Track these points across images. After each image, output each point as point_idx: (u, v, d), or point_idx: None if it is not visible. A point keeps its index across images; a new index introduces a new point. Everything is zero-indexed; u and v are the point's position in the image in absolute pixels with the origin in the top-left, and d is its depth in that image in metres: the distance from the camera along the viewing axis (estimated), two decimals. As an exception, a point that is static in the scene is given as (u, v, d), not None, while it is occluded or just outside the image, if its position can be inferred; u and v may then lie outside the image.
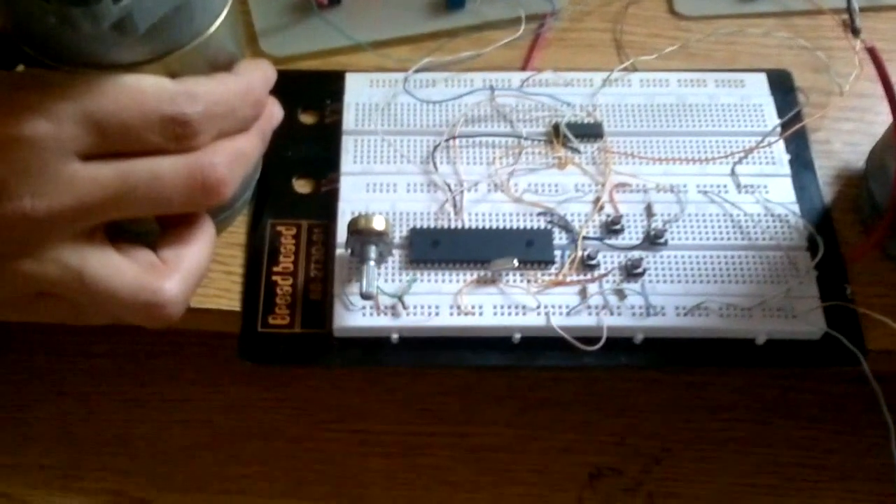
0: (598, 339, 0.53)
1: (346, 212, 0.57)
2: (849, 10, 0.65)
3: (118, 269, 0.45)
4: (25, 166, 0.42)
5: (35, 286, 0.45)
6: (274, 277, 0.56)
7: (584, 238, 0.56)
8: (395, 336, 0.54)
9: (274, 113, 0.52)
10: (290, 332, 0.55)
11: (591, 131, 0.60)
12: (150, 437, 0.61)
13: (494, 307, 0.54)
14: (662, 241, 0.56)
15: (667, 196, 0.58)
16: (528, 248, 0.56)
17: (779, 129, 0.61)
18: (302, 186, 0.60)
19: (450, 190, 0.58)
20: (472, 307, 0.54)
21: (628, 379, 0.63)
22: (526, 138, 0.60)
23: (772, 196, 0.59)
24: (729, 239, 0.57)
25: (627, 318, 0.54)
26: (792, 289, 0.55)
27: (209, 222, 0.50)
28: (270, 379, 0.63)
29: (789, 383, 0.62)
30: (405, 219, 0.57)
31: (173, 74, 0.46)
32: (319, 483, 0.60)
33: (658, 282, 0.55)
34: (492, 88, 0.62)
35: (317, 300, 0.56)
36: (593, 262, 0.56)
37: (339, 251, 0.55)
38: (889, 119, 0.58)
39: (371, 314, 0.54)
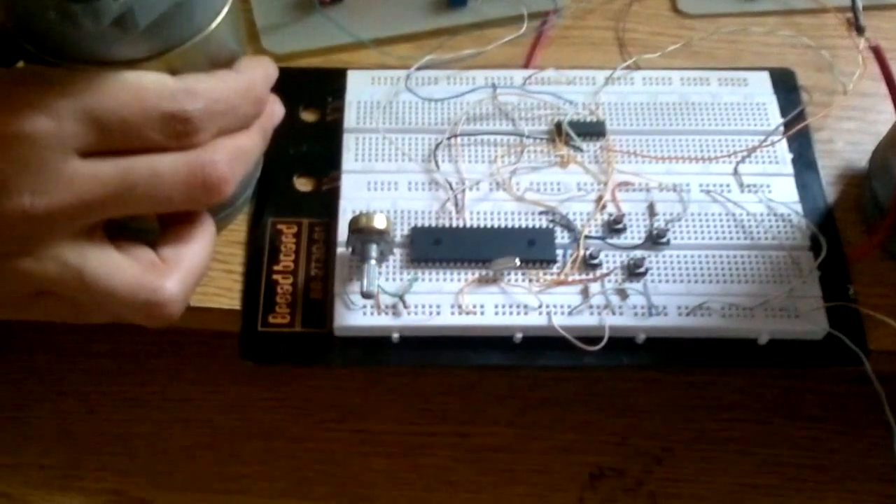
0: (599, 339, 0.53)
1: (347, 210, 0.57)
2: (853, 8, 0.65)
3: (118, 268, 0.45)
4: (25, 163, 0.42)
5: (34, 285, 0.45)
6: (274, 276, 0.56)
7: (586, 237, 0.56)
8: (395, 335, 0.54)
9: (275, 111, 0.52)
10: (290, 331, 0.55)
11: (593, 130, 0.60)
12: (151, 437, 0.61)
13: (496, 306, 0.54)
14: (665, 240, 0.56)
15: (669, 195, 0.58)
16: (530, 248, 0.56)
17: (782, 129, 0.61)
18: (303, 184, 0.60)
19: (451, 188, 0.58)
20: (474, 306, 0.54)
21: (629, 379, 0.63)
22: (528, 136, 0.60)
23: (775, 195, 0.58)
24: (731, 238, 0.57)
25: (629, 318, 0.54)
26: (794, 289, 0.55)
27: (209, 220, 0.49)
28: (271, 378, 0.63)
29: (791, 383, 0.62)
30: (406, 217, 0.57)
31: (174, 71, 0.45)
32: (320, 483, 0.60)
33: (660, 281, 0.55)
34: (494, 86, 0.62)
35: (317, 299, 0.55)
36: (595, 261, 0.55)
37: (340, 250, 0.55)
38: (892, 118, 0.58)
39: (372, 313, 0.54)
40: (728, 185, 0.59)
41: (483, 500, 0.59)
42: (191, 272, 0.47)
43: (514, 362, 0.55)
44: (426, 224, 0.57)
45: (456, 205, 0.57)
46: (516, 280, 0.55)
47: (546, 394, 0.62)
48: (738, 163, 0.59)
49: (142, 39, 0.44)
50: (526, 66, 0.65)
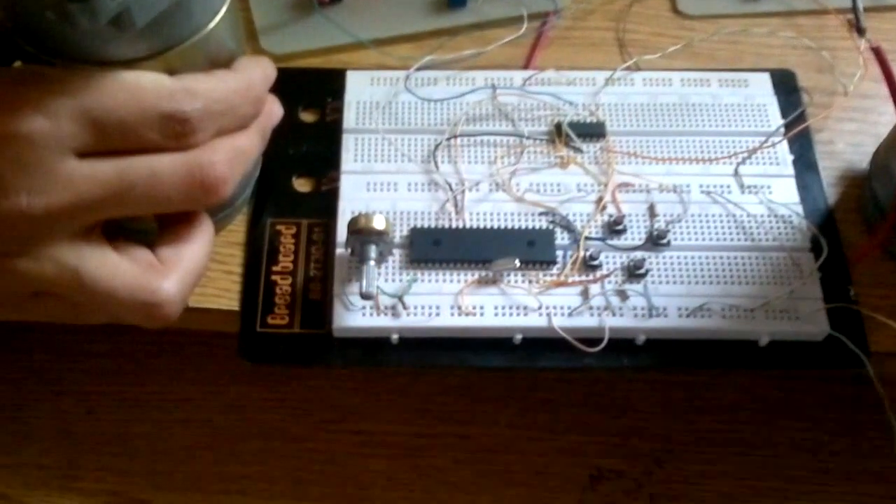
0: (599, 341, 0.53)
1: (346, 211, 0.57)
2: (854, 9, 0.65)
3: (116, 269, 0.45)
4: (22, 163, 0.41)
5: (32, 285, 0.45)
6: (273, 277, 0.56)
7: (587, 238, 0.56)
8: (395, 336, 0.54)
9: (274, 111, 0.52)
10: (289, 332, 0.54)
11: (593, 130, 0.60)
12: (150, 437, 0.61)
13: (495, 308, 0.54)
14: (665, 241, 0.56)
15: (670, 196, 0.58)
16: (530, 249, 0.55)
17: (782, 130, 0.61)
18: (302, 185, 0.59)
19: (451, 189, 0.58)
20: (473, 307, 0.54)
21: (630, 380, 0.63)
22: (528, 137, 0.60)
23: (775, 197, 0.58)
24: (732, 240, 0.57)
25: (629, 319, 0.54)
26: (795, 290, 0.55)
27: (208, 221, 0.49)
28: (271, 379, 0.63)
29: (792, 385, 0.62)
30: (406, 218, 0.57)
31: (172, 71, 0.45)
32: (319, 483, 0.60)
33: (660, 283, 0.55)
34: (493, 87, 0.62)
35: (316, 300, 0.55)
36: (595, 262, 0.55)
37: (339, 251, 0.55)
38: (893, 119, 0.58)
39: (371, 314, 0.54)
40: (728, 187, 0.59)
41: (482, 501, 0.59)
42: (189, 273, 0.47)
43: (514, 364, 0.55)
44: (425, 225, 0.57)
45: (455, 206, 0.57)
46: (516, 281, 0.55)
47: (546, 395, 0.62)
48: (738, 164, 0.59)
49: (140, 39, 0.44)
50: (526, 66, 0.65)
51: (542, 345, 0.54)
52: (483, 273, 0.55)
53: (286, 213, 0.58)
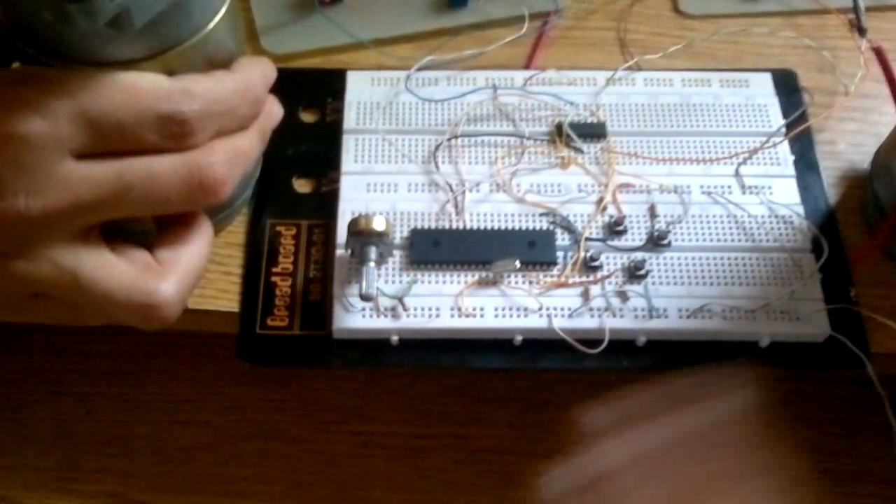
0: (600, 342, 0.53)
1: (346, 212, 0.57)
2: (855, 9, 0.64)
3: (113, 270, 0.45)
4: (20, 164, 0.41)
5: (29, 286, 0.45)
6: (273, 278, 0.56)
7: (587, 239, 0.56)
8: (395, 338, 0.54)
9: (273, 111, 0.52)
10: (289, 333, 0.54)
11: (594, 131, 0.60)
12: (149, 438, 0.61)
13: (496, 309, 0.54)
14: (666, 242, 0.56)
15: (670, 197, 0.58)
16: (530, 249, 0.55)
17: (783, 130, 0.61)
18: (302, 186, 0.59)
19: (451, 190, 0.58)
20: (473, 309, 0.54)
21: (630, 381, 0.62)
22: (528, 138, 0.60)
23: (776, 197, 0.58)
24: (732, 240, 0.57)
25: (630, 321, 0.54)
26: (796, 291, 0.55)
27: (207, 222, 0.49)
28: (271, 380, 0.63)
29: (792, 386, 0.62)
30: (406, 219, 0.57)
31: (171, 72, 0.45)
32: (320, 485, 0.60)
33: (661, 284, 0.55)
34: (494, 87, 0.62)
35: (316, 301, 0.55)
36: (596, 263, 0.55)
37: (339, 252, 0.55)
38: (894, 120, 0.57)
39: (371, 316, 0.54)
40: (729, 187, 0.59)
41: (483, 502, 0.59)
42: (187, 274, 0.47)
43: (515, 365, 0.55)
44: (426, 226, 0.56)
45: (456, 206, 0.57)
46: (516, 282, 0.55)
47: (546, 396, 0.62)
48: (739, 164, 0.59)
49: (138, 39, 0.44)
50: (527, 66, 0.64)
51: (543, 346, 0.54)
52: (483, 274, 0.55)
53: (286, 214, 0.58)
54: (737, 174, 0.59)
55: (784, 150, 0.60)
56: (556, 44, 0.66)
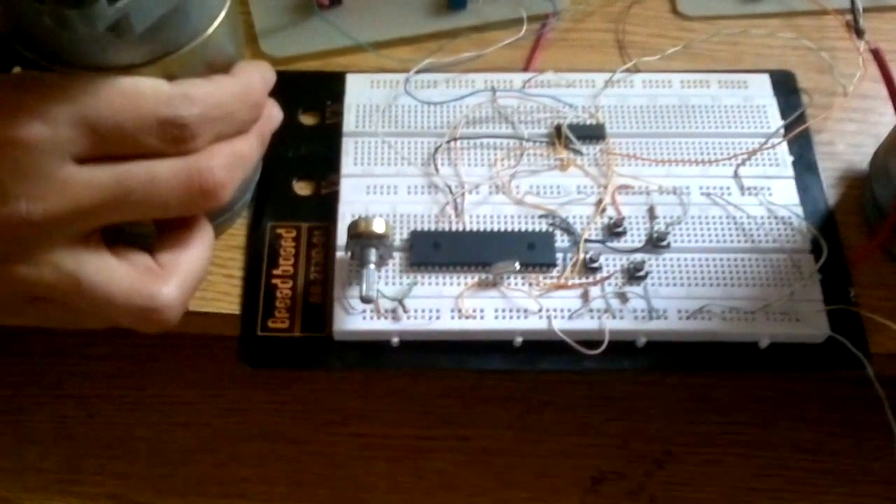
0: (600, 343, 0.53)
1: (346, 214, 0.57)
2: (853, 11, 0.65)
3: (114, 274, 0.45)
4: (20, 169, 0.42)
5: (31, 290, 0.45)
6: (274, 280, 0.56)
7: (586, 241, 0.56)
8: (395, 340, 0.54)
9: (273, 115, 0.52)
10: (289, 335, 0.54)
11: (593, 133, 0.60)
12: (150, 440, 0.61)
13: (495, 310, 0.54)
14: (665, 243, 0.56)
15: (669, 198, 0.58)
16: (530, 251, 0.55)
17: (782, 131, 0.61)
18: (302, 188, 0.60)
19: (451, 192, 0.58)
20: (473, 310, 0.54)
21: (631, 381, 0.63)
22: (528, 140, 0.60)
23: (775, 198, 0.58)
24: (732, 241, 0.57)
25: (630, 322, 0.54)
26: (795, 292, 0.55)
27: (207, 226, 0.49)
28: (271, 381, 0.63)
29: (792, 386, 0.62)
30: (406, 221, 0.57)
31: (171, 76, 0.45)
32: (320, 486, 0.60)
33: (660, 285, 0.55)
34: (493, 89, 0.62)
35: (317, 303, 0.55)
36: (595, 264, 0.55)
37: (340, 254, 0.55)
38: (893, 120, 0.57)
39: (371, 318, 0.54)
40: (728, 188, 0.59)
41: (484, 503, 0.59)
42: (188, 278, 0.47)
43: (515, 366, 0.55)
44: (426, 228, 0.57)
45: (455, 208, 0.57)
46: (516, 284, 0.55)
47: (547, 397, 0.62)
48: (738, 165, 0.59)
49: (138, 45, 0.44)
50: (525, 69, 0.65)
51: (543, 347, 0.54)
52: (483, 276, 0.55)
53: (286, 217, 0.58)
54: (736, 175, 0.59)
55: (783, 151, 0.60)
56: (555, 46, 0.66)
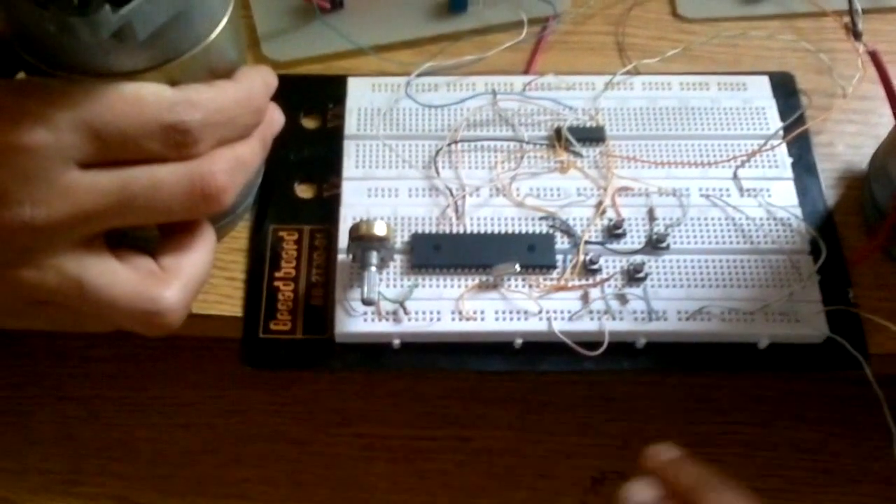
0: (599, 344, 0.53)
1: (347, 217, 0.57)
2: (850, 12, 0.65)
3: (117, 278, 0.45)
4: (25, 174, 0.42)
5: (35, 294, 0.45)
6: (276, 283, 0.56)
7: (586, 242, 0.56)
8: (396, 342, 0.54)
9: (275, 119, 0.52)
10: (291, 337, 0.55)
11: (593, 135, 0.60)
12: (152, 441, 0.61)
13: (496, 312, 0.54)
14: (664, 245, 0.56)
15: (669, 200, 0.58)
16: (530, 253, 0.56)
17: (781, 132, 0.61)
18: (304, 191, 0.60)
19: (451, 195, 0.58)
20: (474, 312, 0.54)
21: (631, 382, 0.63)
22: (528, 142, 0.60)
23: (774, 199, 0.58)
24: (731, 243, 0.57)
25: (629, 323, 0.54)
26: (794, 293, 0.55)
27: (210, 229, 0.49)
28: (273, 382, 0.63)
29: (792, 387, 0.62)
30: (407, 224, 0.57)
31: (174, 82, 0.45)
32: (321, 487, 0.60)
33: (660, 286, 0.55)
34: (494, 92, 0.62)
35: (318, 306, 0.56)
36: (595, 266, 0.55)
37: (341, 257, 0.55)
38: (892, 121, 0.58)
39: (373, 320, 0.54)
40: (728, 190, 0.59)
41: (485, 503, 0.59)
42: (191, 281, 0.48)
43: (515, 368, 0.55)
44: (426, 230, 0.57)
45: (456, 211, 0.57)
46: (516, 286, 0.55)
47: (547, 397, 0.62)
48: (737, 167, 0.60)
49: (141, 51, 0.44)
50: (526, 71, 0.65)
51: (543, 349, 0.55)
52: (484, 278, 0.55)
53: (288, 220, 0.58)
54: (735, 177, 0.59)
55: (782, 153, 0.60)
56: (555, 48, 0.66)
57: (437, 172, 0.59)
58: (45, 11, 0.41)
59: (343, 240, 0.55)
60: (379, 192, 0.58)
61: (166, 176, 0.45)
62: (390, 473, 0.60)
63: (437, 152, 0.59)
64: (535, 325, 0.54)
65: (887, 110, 0.62)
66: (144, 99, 0.44)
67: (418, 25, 0.66)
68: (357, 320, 0.54)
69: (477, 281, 0.55)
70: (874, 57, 0.62)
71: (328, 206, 0.58)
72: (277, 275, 0.56)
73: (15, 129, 0.41)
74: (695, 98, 0.62)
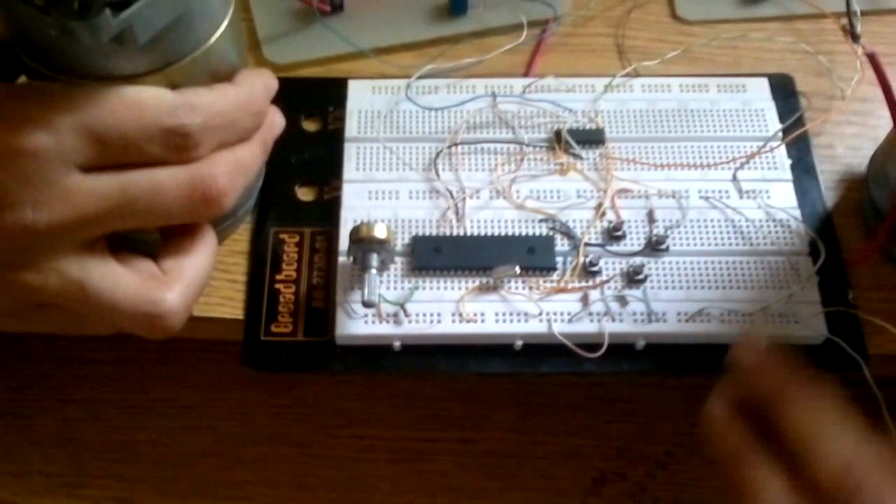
0: (599, 346, 0.53)
1: (348, 219, 0.57)
2: (848, 15, 0.65)
3: (119, 280, 0.45)
4: (26, 178, 0.42)
5: (36, 297, 0.45)
6: (277, 285, 0.56)
7: (586, 244, 0.56)
8: (397, 343, 0.54)
9: (275, 122, 0.52)
10: (292, 339, 0.55)
11: (592, 137, 0.61)
12: (154, 444, 0.61)
13: (496, 314, 0.54)
14: (664, 247, 0.56)
15: (668, 202, 0.58)
16: (530, 255, 0.56)
17: (780, 134, 0.61)
18: (305, 194, 0.60)
19: (452, 197, 0.58)
20: (474, 314, 0.54)
21: (632, 383, 0.63)
22: (528, 145, 0.60)
23: (773, 201, 0.59)
24: (730, 245, 0.57)
25: (629, 325, 0.54)
26: (793, 294, 0.55)
27: (211, 232, 0.50)
28: (274, 384, 0.63)
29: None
30: (407, 226, 0.57)
31: (174, 85, 0.46)
32: (323, 489, 0.60)
33: (659, 288, 0.56)
34: (494, 95, 0.62)
35: (319, 308, 0.56)
36: (595, 268, 0.56)
37: (342, 259, 0.56)
38: (890, 123, 0.58)
39: (373, 322, 0.54)
40: (727, 192, 0.59)
41: (486, 505, 0.60)
42: (192, 284, 0.48)
43: (515, 369, 0.55)
44: (427, 233, 0.57)
45: (456, 213, 0.58)
46: (516, 288, 0.55)
47: (548, 398, 0.62)
48: (736, 169, 0.60)
49: (142, 54, 0.45)
50: (526, 73, 0.65)
51: (543, 350, 0.55)
52: (484, 280, 0.55)
53: (289, 222, 0.58)
54: (734, 179, 0.59)
55: (781, 155, 0.60)
56: (555, 51, 0.67)
57: (438, 175, 0.59)
58: (47, 16, 0.41)
59: (344, 242, 0.55)
60: (379, 194, 0.58)
61: (167, 179, 0.45)
62: (391, 475, 0.60)
63: (438, 155, 0.60)
64: (536, 327, 0.54)
65: (886, 112, 0.62)
66: (145, 102, 0.44)
67: (418, 28, 0.66)
68: (358, 322, 0.54)
69: (477, 283, 0.55)
70: (872, 59, 0.62)
71: (329, 209, 0.59)
72: (278, 277, 0.57)
73: (16, 132, 0.42)
74: (694, 100, 0.63)
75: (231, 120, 0.47)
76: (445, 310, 0.55)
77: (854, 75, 0.64)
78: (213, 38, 0.47)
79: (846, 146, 0.63)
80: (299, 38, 0.66)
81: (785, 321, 0.55)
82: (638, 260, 0.56)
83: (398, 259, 0.56)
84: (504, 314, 0.55)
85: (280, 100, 0.52)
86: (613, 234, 0.57)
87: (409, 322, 0.54)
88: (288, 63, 0.65)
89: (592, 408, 0.62)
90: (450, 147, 0.60)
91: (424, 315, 0.54)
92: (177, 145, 0.44)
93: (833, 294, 0.56)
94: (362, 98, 0.62)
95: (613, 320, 0.54)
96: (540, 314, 0.55)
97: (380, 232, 0.53)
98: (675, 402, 0.62)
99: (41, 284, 0.45)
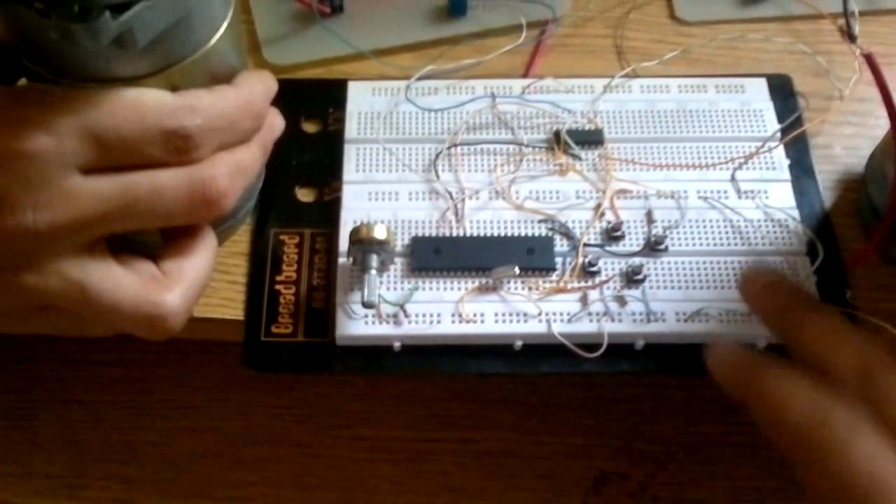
0: (599, 346, 0.53)
1: (348, 220, 0.57)
2: (845, 15, 0.65)
3: (120, 282, 0.46)
4: (27, 180, 0.42)
5: (37, 299, 0.45)
6: (277, 286, 0.56)
7: (585, 245, 0.57)
8: (397, 344, 0.54)
9: (275, 124, 0.53)
10: (293, 340, 0.55)
11: (591, 138, 0.61)
12: (156, 445, 0.61)
13: (496, 315, 0.55)
14: (663, 247, 0.56)
15: (667, 202, 0.58)
16: (530, 256, 0.56)
17: (779, 135, 0.61)
18: (305, 195, 0.60)
19: (451, 198, 0.58)
20: (474, 315, 0.55)
21: (632, 383, 0.63)
22: (527, 145, 0.60)
23: (772, 201, 0.59)
24: (729, 245, 0.57)
25: (628, 325, 0.55)
26: (793, 294, 0.55)
27: (211, 234, 0.50)
28: (275, 385, 0.63)
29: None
30: (407, 227, 0.57)
31: (174, 87, 0.46)
32: (324, 489, 0.60)
33: (658, 288, 0.56)
34: (493, 96, 0.62)
35: (319, 309, 0.56)
36: (594, 268, 0.56)
37: (342, 260, 0.56)
38: (888, 124, 0.58)
39: (373, 323, 0.54)
40: (725, 192, 0.59)
41: (487, 505, 0.60)
42: (192, 285, 0.48)
43: (515, 370, 0.55)
44: (426, 233, 0.57)
45: (456, 214, 0.58)
46: (516, 288, 0.55)
47: (549, 398, 0.62)
48: (735, 169, 0.60)
49: (142, 57, 0.45)
50: (525, 74, 0.65)
51: (543, 351, 0.55)
52: (483, 280, 0.55)
53: (289, 223, 0.59)
54: (733, 179, 0.60)
55: (780, 155, 0.61)
56: (554, 52, 0.67)
57: (437, 176, 0.59)
58: (47, 19, 0.41)
59: (344, 243, 0.55)
60: (379, 195, 0.59)
61: (167, 181, 0.45)
62: (392, 475, 0.60)
63: (437, 156, 0.60)
64: (535, 328, 0.54)
65: (883, 112, 0.62)
66: (145, 105, 0.44)
67: (418, 29, 0.67)
68: (358, 323, 0.54)
69: (477, 283, 0.55)
70: (869, 60, 0.62)
71: (329, 210, 0.59)
72: (279, 278, 0.57)
73: (17, 135, 0.42)
74: (693, 100, 0.63)
75: (231, 122, 0.47)
76: (445, 310, 0.55)
77: (852, 76, 0.64)
78: (213, 40, 0.47)
79: (844, 146, 0.63)
80: (299, 39, 0.66)
81: (784, 321, 0.55)
82: (637, 260, 0.56)
83: (398, 260, 0.56)
84: (504, 314, 0.55)
85: (280, 101, 0.53)
86: (612, 234, 0.57)
87: (409, 323, 0.54)
88: (288, 64, 0.65)
89: (592, 408, 0.62)
90: (449, 148, 0.60)
91: (424, 316, 0.55)
92: (177, 147, 0.45)
93: (831, 294, 0.56)
94: (362, 99, 0.62)
95: (613, 320, 0.55)
96: (539, 314, 0.55)
97: (379, 233, 0.53)
98: (675, 402, 0.62)
99: (42, 286, 0.45)
